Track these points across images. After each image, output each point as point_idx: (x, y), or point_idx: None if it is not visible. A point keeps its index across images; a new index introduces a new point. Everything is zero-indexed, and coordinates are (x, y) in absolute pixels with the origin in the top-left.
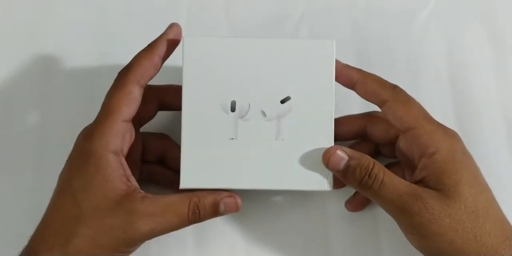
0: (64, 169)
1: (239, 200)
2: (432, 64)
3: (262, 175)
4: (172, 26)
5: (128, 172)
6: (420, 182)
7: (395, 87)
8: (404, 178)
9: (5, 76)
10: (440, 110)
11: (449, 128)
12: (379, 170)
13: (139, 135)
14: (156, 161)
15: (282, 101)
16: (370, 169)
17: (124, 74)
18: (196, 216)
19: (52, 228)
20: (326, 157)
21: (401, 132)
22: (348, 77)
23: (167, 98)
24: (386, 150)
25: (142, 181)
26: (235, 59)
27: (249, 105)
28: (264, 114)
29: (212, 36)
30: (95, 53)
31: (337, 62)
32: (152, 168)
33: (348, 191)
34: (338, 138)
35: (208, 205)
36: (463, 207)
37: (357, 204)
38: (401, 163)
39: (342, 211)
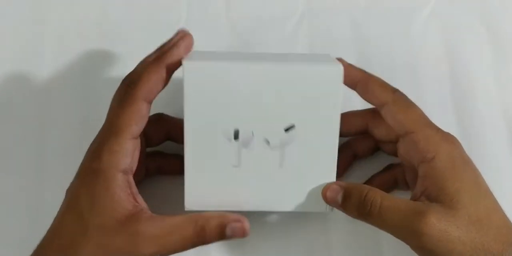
0: (72, 184)
1: (246, 225)
2: (432, 64)
3: (264, 199)
4: (184, 36)
5: (135, 190)
6: (422, 194)
7: (396, 91)
8: (405, 179)
9: (5, 76)
10: (440, 110)
11: (448, 133)
12: (375, 194)
13: (143, 139)
14: (162, 141)
15: (286, 130)
16: (363, 196)
17: (132, 89)
18: (201, 239)
19: (56, 245)
20: (324, 194)
21: (400, 136)
22: (350, 76)
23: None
24: (388, 147)
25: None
26: (237, 86)
27: (253, 133)
28: (267, 142)
29: (213, 61)
30: (95, 52)
31: (341, 60)
32: (157, 162)
33: None
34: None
35: (214, 229)
36: (467, 217)
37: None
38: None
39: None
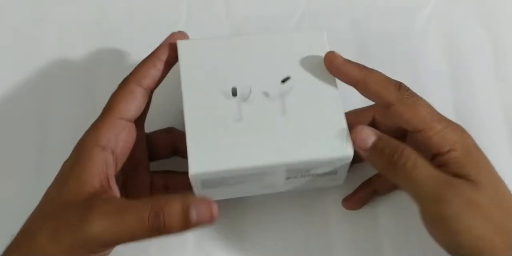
0: None
1: (214, 207)
2: (432, 64)
3: (273, 150)
4: (177, 32)
5: (111, 171)
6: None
7: (400, 88)
8: None
9: (5, 76)
10: (440, 110)
11: (457, 124)
12: (411, 153)
13: (143, 133)
14: (170, 154)
15: (283, 81)
16: (401, 150)
17: (127, 77)
18: (158, 221)
19: (30, 219)
20: (355, 136)
21: (409, 132)
22: (348, 75)
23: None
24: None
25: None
26: (230, 53)
27: (250, 89)
28: (266, 94)
29: (205, 38)
30: (95, 53)
31: (336, 57)
32: (165, 179)
33: (348, 190)
34: None
35: (175, 209)
36: (489, 196)
37: (355, 202)
38: None
39: (343, 210)
